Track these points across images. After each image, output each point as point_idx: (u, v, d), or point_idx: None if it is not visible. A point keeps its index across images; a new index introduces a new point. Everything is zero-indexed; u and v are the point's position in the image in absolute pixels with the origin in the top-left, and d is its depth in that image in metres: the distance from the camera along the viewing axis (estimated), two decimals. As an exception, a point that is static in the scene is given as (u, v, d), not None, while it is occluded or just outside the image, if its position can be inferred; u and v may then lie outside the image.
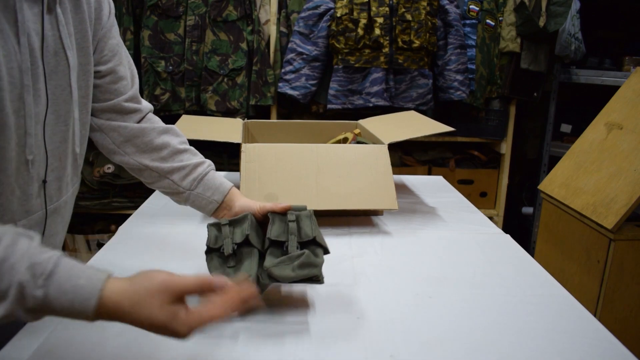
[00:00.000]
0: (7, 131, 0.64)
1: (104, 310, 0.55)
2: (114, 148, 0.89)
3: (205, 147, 2.55)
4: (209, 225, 0.82)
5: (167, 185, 0.91)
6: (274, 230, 0.81)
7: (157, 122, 0.93)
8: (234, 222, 0.83)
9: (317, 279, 0.77)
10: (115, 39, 0.86)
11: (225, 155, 2.56)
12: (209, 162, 0.94)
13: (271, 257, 0.78)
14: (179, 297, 0.58)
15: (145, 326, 0.57)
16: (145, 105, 0.93)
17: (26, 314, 0.53)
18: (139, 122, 0.91)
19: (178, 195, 0.91)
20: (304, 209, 0.85)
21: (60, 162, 0.76)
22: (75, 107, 0.76)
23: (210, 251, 0.81)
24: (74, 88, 0.75)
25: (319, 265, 0.78)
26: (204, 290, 0.60)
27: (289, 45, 2.35)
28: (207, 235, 0.82)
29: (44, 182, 0.74)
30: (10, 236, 0.54)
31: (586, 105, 2.63)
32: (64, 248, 2.66)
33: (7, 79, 0.63)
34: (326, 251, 0.81)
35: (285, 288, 0.88)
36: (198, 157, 0.93)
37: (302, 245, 0.80)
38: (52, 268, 0.54)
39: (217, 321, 0.59)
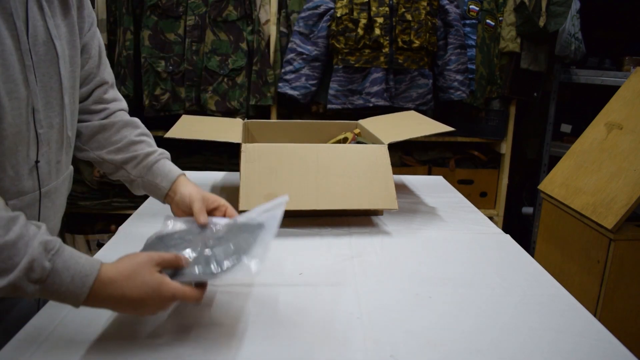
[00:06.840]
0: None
1: (101, 286, 0.64)
2: (79, 145, 0.94)
3: (205, 147, 2.57)
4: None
5: (122, 175, 0.95)
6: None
7: (121, 116, 0.96)
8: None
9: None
10: (96, 48, 0.90)
11: (225, 155, 2.56)
12: (161, 150, 0.97)
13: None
14: (161, 265, 0.69)
15: (140, 293, 0.65)
16: (115, 105, 0.96)
17: (28, 285, 0.60)
18: (103, 119, 0.94)
19: (131, 183, 0.95)
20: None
21: (49, 146, 0.79)
22: (65, 94, 0.79)
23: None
24: (63, 76, 0.78)
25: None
26: (179, 259, 0.71)
27: (289, 45, 2.35)
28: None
29: (37, 162, 0.77)
30: (23, 218, 0.63)
31: (586, 105, 2.63)
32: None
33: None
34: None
35: (285, 289, 0.88)
36: (152, 147, 0.96)
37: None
38: (60, 246, 0.63)
39: (189, 299, 0.69)
